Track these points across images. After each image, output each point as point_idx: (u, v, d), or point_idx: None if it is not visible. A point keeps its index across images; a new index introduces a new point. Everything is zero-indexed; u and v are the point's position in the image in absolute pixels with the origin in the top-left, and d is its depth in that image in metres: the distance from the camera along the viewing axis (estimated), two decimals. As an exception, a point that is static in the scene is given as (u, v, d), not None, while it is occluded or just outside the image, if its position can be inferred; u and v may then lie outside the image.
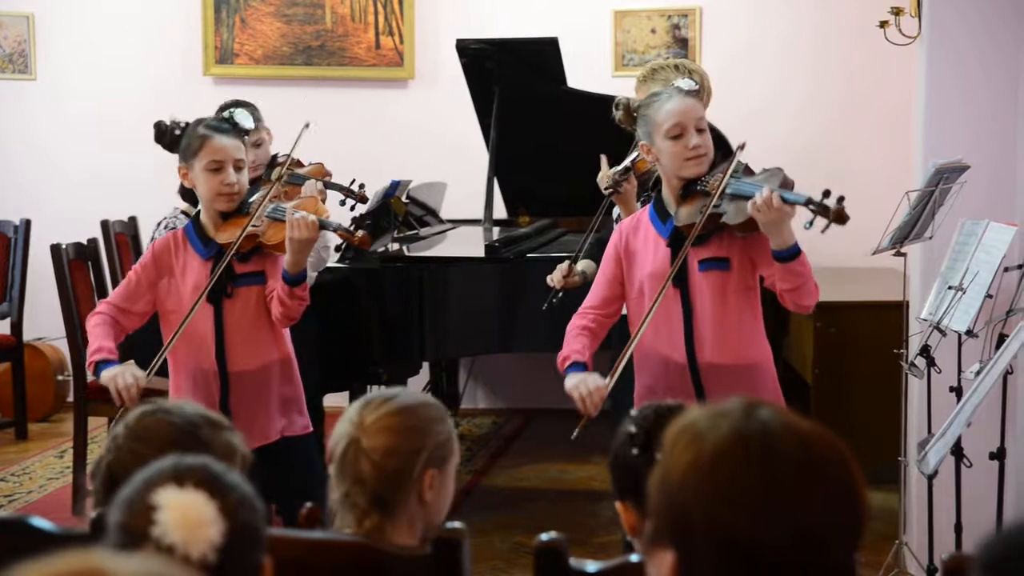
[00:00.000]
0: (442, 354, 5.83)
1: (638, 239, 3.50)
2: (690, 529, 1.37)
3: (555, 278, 4.14)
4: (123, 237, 6.13)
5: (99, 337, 3.67)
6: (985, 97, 4.42)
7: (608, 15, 6.98)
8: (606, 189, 3.90)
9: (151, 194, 5.99)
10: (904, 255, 4.34)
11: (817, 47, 6.87)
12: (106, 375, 3.58)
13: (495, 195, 5.99)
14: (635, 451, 2.17)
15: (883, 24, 5.54)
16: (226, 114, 3.77)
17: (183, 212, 5.49)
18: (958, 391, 4.03)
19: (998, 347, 3.76)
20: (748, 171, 3.48)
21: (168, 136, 3.78)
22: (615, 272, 3.51)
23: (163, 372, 5.43)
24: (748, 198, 3.30)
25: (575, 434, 3.33)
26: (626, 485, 2.17)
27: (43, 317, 6.84)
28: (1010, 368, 3.75)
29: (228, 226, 3.68)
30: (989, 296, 3.93)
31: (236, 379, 3.68)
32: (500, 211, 6.21)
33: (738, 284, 3.42)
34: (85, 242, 5.72)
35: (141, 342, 5.22)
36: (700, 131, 3.43)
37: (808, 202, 3.25)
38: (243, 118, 3.75)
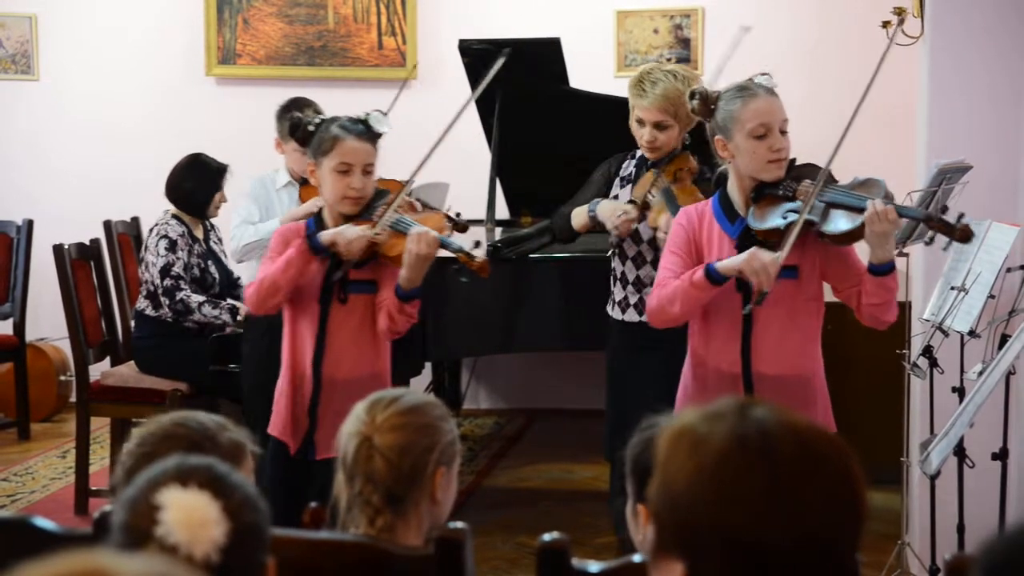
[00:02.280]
0: (445, 354, 5.83)
1: (703, 230, 3.40)
2: (697, 536, 1.37)
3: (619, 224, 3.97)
4: (125, 237, 6.13)
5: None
6: (988, 97, 4.42)
7: (610, 15, 6.98)
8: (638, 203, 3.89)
9: (154, 194, 5.97)
10: (907, 255, 4.34)
11: (819, 48, 6.87)
12: (326, 235, 3.57)
13: (497, 195, 5.98)
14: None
15: (885, 24, 5.54)
16: (362, 115, 3.71)
17: (173, 216, 5.50)
18: (960, 391, 4.03)
19: (1000, 347, 3.76)
20: (831, 179, 3.37)
21: (302, 131, 3.74)
22: (687, 254, 3.39)
23: (176, 375, 5.47)
24: (846, 208, 3.24)
25: (748, 308, 3.25)
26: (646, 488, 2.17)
27: (46, 317, 6.84)
28: (1013, 368, 3.75)
29: None
30: (991, 296, 3.93)
31: (328, 385, 3.64)
32: (503, 211, 6.21)
33: (806, 293, 3.35)
34: (87, 242, 5.72)
35: (186, 354, 5.26)
36: (783, 133, 3.36)
37: (928, 219, 3.20)
38: (378, 122, 3.69)
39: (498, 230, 5.89)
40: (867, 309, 3.29)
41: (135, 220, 6.33)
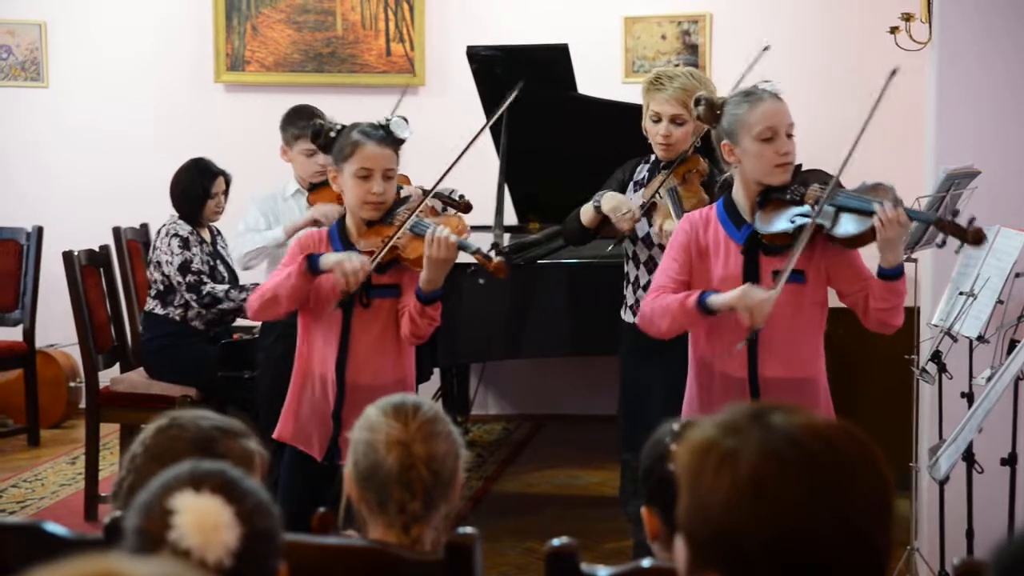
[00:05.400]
0: (453, 360, 5.83)
1: (708, 236, 3.41)
2: (744, 551, 1.38)
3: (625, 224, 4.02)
4: (135, 244, 6.15)
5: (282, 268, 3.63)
6: (996, 102, 4.42)
7: (618, 21, 6.99)
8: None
9: (163, 201, 5.99)
10: (915, 261, 4.33)
11: (827, 53, 6.87)
12: (329, 259, 3.53)
13: (506, 201, 5.99)
14: (673, 467, 2.17)
15: (894, 30, 5.55)
16: (382, 120, 3.68)
17: (181, 218, 5.52)
18: (969, 397, 4.03)
19: (1009, 352, 3.76)
20: (839, 184, 3.38)
21: (323, 137, 3.72)
22: (685, 261, 3.40)
23: (185, 381, 5.49)
24: (857, 212, 3.25)
25: (741, 346, 3.25)
26: (655, 493, 2.18)
27: (55, 324, 6.85)
28: (1021, 374, 3.74)
29: (371, 234, 3.64)
30: (1000, 302, 3.93)
31: (352, 390, 3.62)
32: (511, 217, 6.21)
33: (812, 298, 3.36)
34: (97, 249, 5.74)
35: (195, 358, 5.28)
36: (789, 136, 3.36)
37: (939, 222, 3.21)
38: (399, 127, 3.66)
39: (506, 236, 5.90)
40: (875, 314, 3.29)
41: (144, 227, 6.34)
